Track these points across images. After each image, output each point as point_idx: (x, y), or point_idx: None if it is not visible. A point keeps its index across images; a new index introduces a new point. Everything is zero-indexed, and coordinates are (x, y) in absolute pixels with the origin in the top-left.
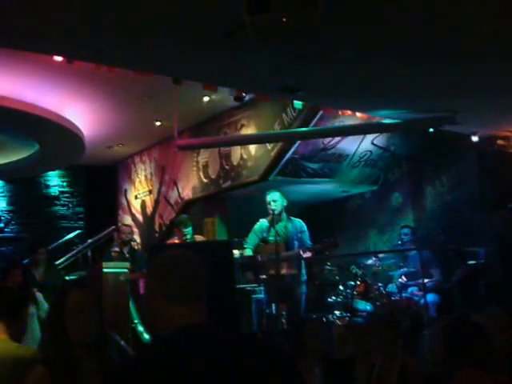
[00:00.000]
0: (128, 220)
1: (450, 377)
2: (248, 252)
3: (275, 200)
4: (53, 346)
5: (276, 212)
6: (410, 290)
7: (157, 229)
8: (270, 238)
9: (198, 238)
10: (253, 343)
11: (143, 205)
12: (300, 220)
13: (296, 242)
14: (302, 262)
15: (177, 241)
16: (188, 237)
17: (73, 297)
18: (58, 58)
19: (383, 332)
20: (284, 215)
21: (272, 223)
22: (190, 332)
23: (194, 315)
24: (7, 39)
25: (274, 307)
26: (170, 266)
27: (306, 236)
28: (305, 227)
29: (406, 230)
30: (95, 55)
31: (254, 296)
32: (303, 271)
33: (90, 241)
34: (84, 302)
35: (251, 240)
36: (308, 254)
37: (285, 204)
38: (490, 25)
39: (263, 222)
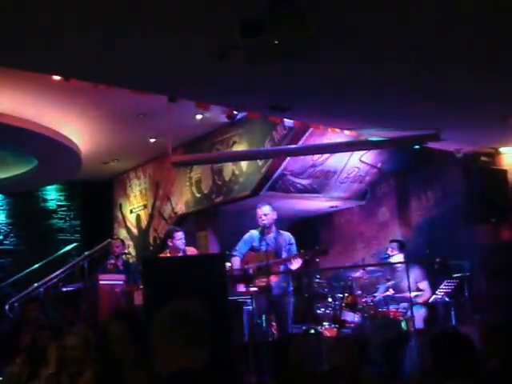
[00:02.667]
0: (123, 233)
1: None
2: (235, 260)
3: (266, 214)
4: (100, 364)
5: (267, 225)
6: (397, 302)
7: (151, 242)
8: (262, 247)
9: (190, 250)
10: None
11: (138, 219)
12: (289, 233)
13: (285, 253)
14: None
15: (169, 254)
16: (179, 242)
17: (112, 329)
18: (56, 77)
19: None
20: (274, 228)
21: (263, 234)
22: (183, 375)
23: (192, 360)
24: (7, 59)
25: (263, 318)
26: (176, 320)
27: (294, 249)
28: (293, 240)
29: (393, 245)
30: (93, 75)
31: (245, 307)
32: (290, 282)
33: (86, 253)
34: (123, 334)
35: (240, 248)
36: (298, 262)
37: (275, 217)
38: (476, 46)
39: (254, 233)
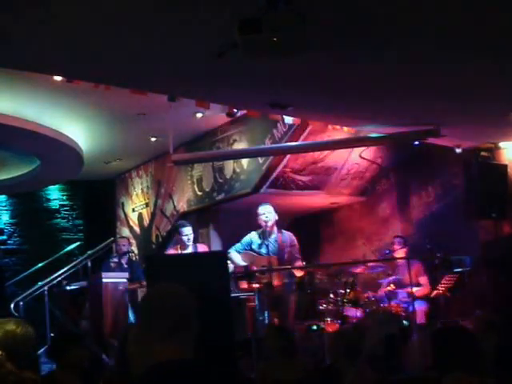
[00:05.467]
0: (126, 232)
1: (439, 381)
2: (233, 254)
3: (267, 212)
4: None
5: (268, 223)
6: (398, 297)
7: (153, 240)
8: (262, 250)
9: (201, 246)
10: None
11: (140, 217)
12: (290, 233)
13: (286, 255)
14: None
15: (179, 249)
16: (186, 238)
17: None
18: (58, 78)
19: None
20: (275, 229)
21: (264, 235)
22: (165, 369)
23: (175, 351)
24: (9, 60)
25: (266, 315)
26: (155, 303)
27: (296, 251)
28: (295, 241)
29: (398, 240)
30: (94, 75)
31: (247, 304)
32: (292, 279)
33: (89, 252)
34: None
35: (237, 247)
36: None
37: (276, 218)
38: (476, 42)
39: (253, 235)
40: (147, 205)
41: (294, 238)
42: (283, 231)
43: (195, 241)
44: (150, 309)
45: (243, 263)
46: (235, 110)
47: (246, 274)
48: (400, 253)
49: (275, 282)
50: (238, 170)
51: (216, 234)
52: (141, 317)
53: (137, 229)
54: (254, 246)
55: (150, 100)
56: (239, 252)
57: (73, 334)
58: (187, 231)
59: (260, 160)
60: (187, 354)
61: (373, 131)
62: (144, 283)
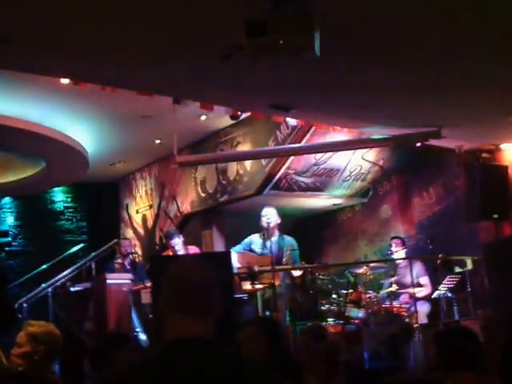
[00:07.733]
0: (130, 233)
1: (442, 383)
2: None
3: (269, 214)
4: None
5: (271, 225)
6: (400, 297)
7: (157, 241)
8: (263, 251)
9: (192, 248)
10: (237, 366)
11: (144, 219)
12: (291, 238)
13: (285, 258)
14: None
15: (171, 253)
16: (176, 248)
17: None
18: (64, 80)
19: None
20: (277, 232)
21: (266, 236)
22: (180, 344)
23: (193, 327)
24: (15, 62)
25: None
26: (177, 277)
27: (297, 254)
28: (296, 245)
29: (396, 241)
30: (100, 78)
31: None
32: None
33: (93, 254)
34: None
35: (236, 248)
36: (298, 273)
37: (279, 222)
38: (477, 43)
39: (254, 237)
40: (151, 206)
41: (294, 242)
42: (284, 236)
43: (186, 243)
44: (174, 282)
45: (238, 264)
46: (239, 113)
47: (249, 274)
48: (400, 254)
49: (277, 282)
50: (241, 172)
51: (219, 235)
52: (165, 290)
53: (141, 230)
54: (254, 246)
55: (155, 102)
56: (238, 252)
57: (118, 337)
58: (177, 241)
59: (263, 162)
60: (207, 330)
61: (375, 133)
62: (148, 284)
